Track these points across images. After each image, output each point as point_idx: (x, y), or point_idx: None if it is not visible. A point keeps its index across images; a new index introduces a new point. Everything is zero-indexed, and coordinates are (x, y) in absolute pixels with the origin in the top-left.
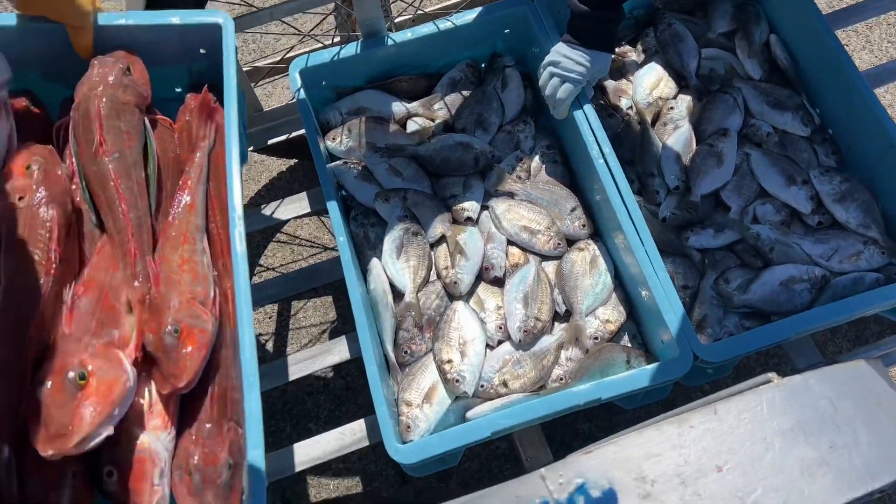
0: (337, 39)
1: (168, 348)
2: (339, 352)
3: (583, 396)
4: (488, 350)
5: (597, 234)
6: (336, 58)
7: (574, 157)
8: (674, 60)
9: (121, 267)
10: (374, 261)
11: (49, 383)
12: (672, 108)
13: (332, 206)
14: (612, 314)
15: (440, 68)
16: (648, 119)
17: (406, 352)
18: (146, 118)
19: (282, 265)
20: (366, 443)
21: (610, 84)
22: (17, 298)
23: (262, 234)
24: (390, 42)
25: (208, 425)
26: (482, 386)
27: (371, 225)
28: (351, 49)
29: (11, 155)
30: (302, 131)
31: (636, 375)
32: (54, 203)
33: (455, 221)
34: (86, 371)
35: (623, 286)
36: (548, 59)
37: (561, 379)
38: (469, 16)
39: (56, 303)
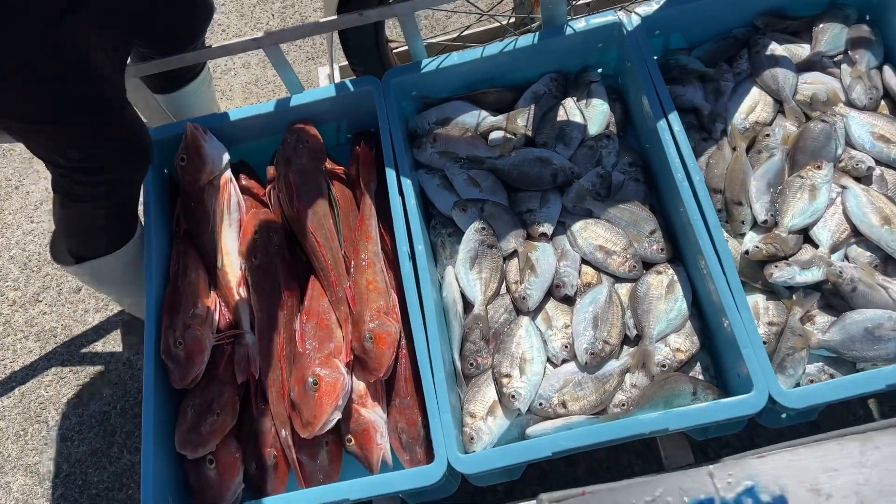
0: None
1: (368, 351)
2: None
3: (649, 425)
4: (551, 368)
5: (677, 260)
6: (428, 68)
7: (659, 177)
8: (769, 83)
9: (327, 295)
10: (449, 269)
11: (297, 389)
12: (768, 134)
13: (414, 214)
14: (683, 343)
15: (528, 80)
16: (743, 145)
17: (472, 364)
18: (326, 174)
19: None
20: None
21: (705, 106)
22: (269, 329)
23: None
24: (481, 55)
25: (407, 399)
26: (540, 404)
27: (448, 234)
28: (442, 60)
29: (242, 221)
30: None
31: (707, 409)
32: (277, 257)
33: (529, 237)
34: (317, 378)
35: (702, 315)
36: None
37: (623, 405)
38: (560, 30)
39: (290, 328)
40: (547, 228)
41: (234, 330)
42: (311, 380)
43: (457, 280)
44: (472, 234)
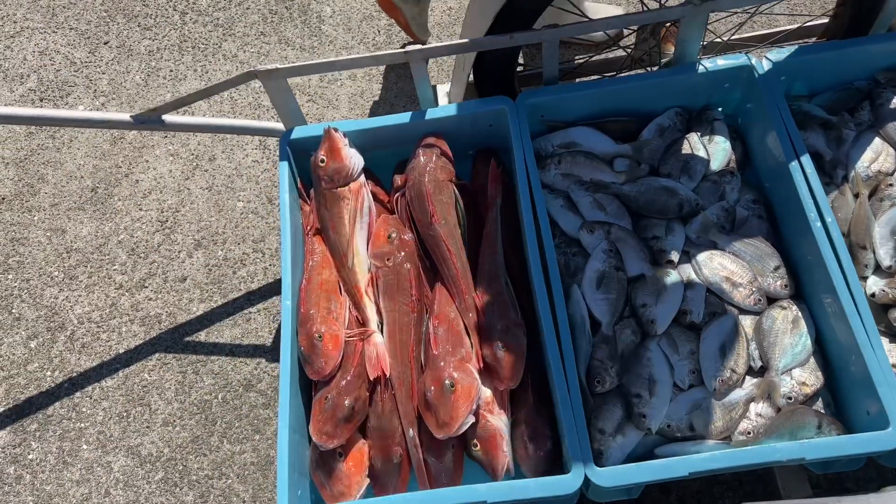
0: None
1: (499, 359)
2: None
3: (786, 453)
4: (677, 392)
5: (798, 297)
6: (560, 93)
7: (783, 216)
8: (892, 135)
9: (456, 302)
10: (575, 287)
11: (433, 389)
12: (891, 184)
13: (547, 231)
14: (809, 377)
15: (651, 112)
16: (866, 192)
17: (598, 381)
18: (455, 186)
19: None
20: None
21: (827, 152)
22: (399, 330)
23: None
24: (611, 84)
25: (534, 409)
26: (668, 426)
27: (573, 254)
28: (574, 86)
29: (373, 225)
30: None
31: (842, 442)
32: (409, 261)
33: (655, 262)
34: (454, 381)
35: (823, 352)
36: None
37: (749, 433)
38: (691, 67)
39: (418, 331)
40: (674, 256)
41: (362, 328)
42: (447, 382)
43: (584, 299)
44: (600, 255)
